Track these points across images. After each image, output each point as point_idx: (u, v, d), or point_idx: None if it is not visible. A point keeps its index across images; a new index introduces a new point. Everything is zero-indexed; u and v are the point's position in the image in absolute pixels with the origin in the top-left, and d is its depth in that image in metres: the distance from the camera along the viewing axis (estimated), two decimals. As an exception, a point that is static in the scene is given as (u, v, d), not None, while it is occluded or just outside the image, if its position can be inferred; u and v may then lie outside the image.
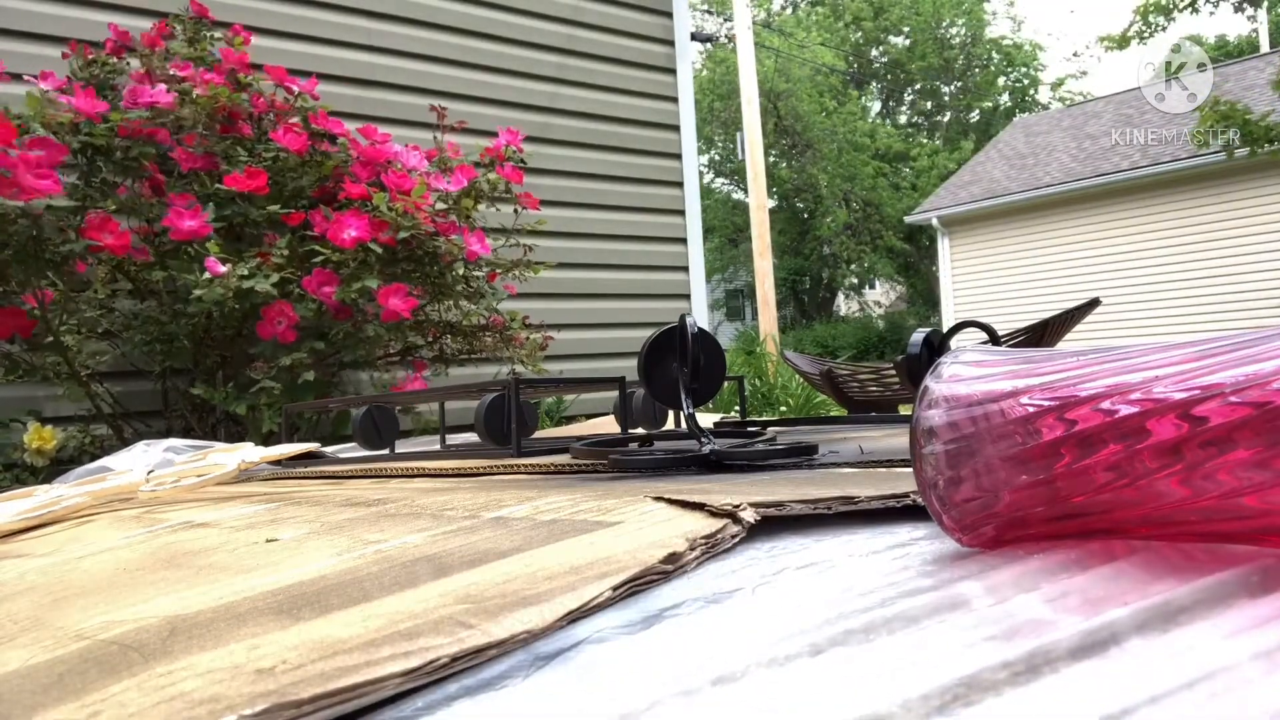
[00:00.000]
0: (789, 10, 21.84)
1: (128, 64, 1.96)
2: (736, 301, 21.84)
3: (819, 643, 0.29)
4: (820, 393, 1.52)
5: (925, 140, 21.06)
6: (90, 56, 1.91)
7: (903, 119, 22.42)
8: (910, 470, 0.51)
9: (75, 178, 1.88)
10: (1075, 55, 32.24)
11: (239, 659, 0.30)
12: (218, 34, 2.09)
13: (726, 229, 19.61)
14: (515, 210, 2.21)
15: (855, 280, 21.01)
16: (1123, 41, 6.17)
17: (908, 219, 12.95)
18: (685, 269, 3.37)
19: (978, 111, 21.57)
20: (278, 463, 1.27)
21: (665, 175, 3.33)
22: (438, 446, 1.37)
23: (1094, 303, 1.45)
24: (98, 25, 2.16)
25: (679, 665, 0.28)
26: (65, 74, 1.89)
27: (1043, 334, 1.38)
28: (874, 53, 21.49)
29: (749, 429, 1.16)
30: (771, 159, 18.53)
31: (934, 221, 11.41)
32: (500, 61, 2.93)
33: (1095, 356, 0.35)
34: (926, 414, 0.37)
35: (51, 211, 1.77)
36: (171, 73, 1.86)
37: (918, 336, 1.14)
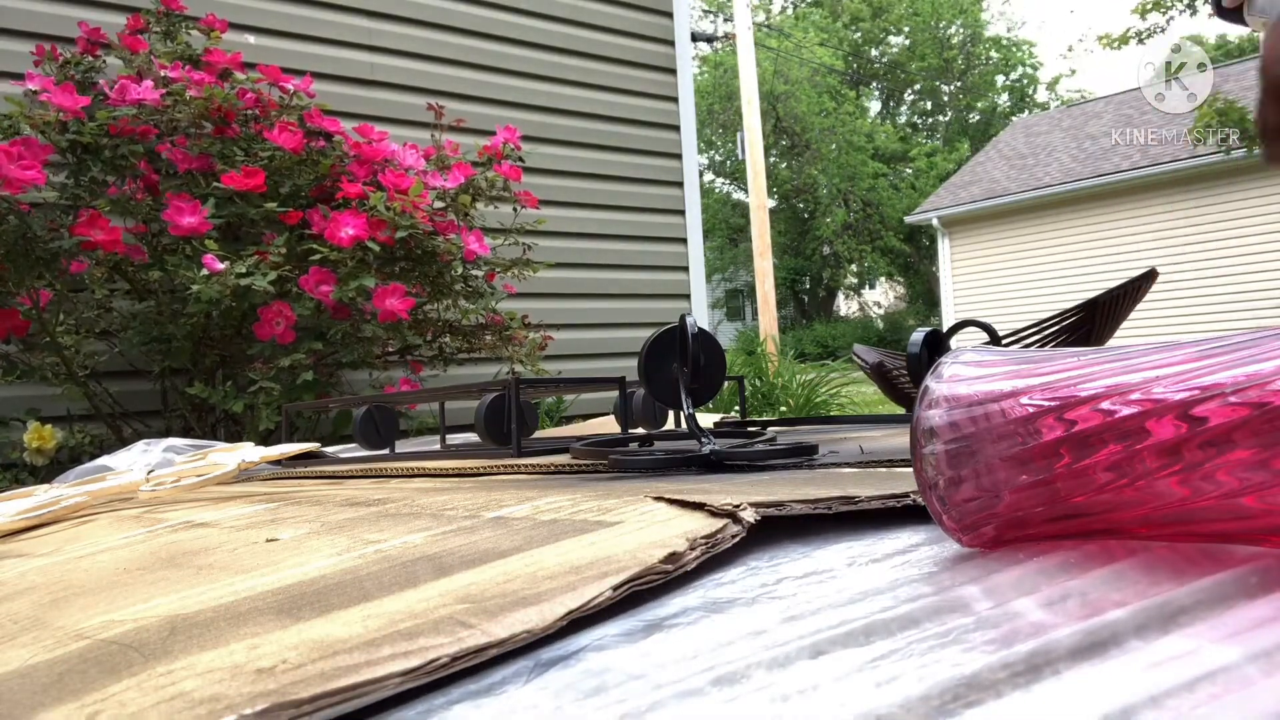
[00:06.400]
0: (788, 10, 21.84)
1: (103, 61, 1.95)
2: (736, 301, 21.85)
3: (820, 644, 0.29)
4: (876, 386, 1.49)
5: (924, 140, 21.07)
6: (63, 58, 1.91)
7: (902, 119, 22.42)
8: (910, 470, 0.51)
9: (65, 176, 1.88)
10: (1070, 51, 32.18)
11: (239, 659, 0.30)
12: (193, 28, 2.08)
13: (726, 229, 19.62)
14: (514, 209, 2.21)
15: (855, 280, 21.02)
16: (1122, 41, 6.17)
17: (908, 219, 12.96)
18: (685, 269, 3.37)
19: (977, 112, 21.58)
20: (278, 462, 1.27)
21: (665, 175, 3.33)
22: (438, 446, 1.37)
23: (1152, 274, 1.39)
24: (65, 21, 2.14)
25: (680, 667, 0.28)
26: (39, 73, 1.88)
27: (1093, 315, 1.32)
28: (873, 53, 21.50)
29: (749, 429, 1.16)
30: (771, 159, 18.55)
31: (934, 221, 11.41)
32: (500, 61, 2.93)
33: (1095, 356, 0.35)
34: (927, 414, 0.37)
35: (40, 209, 1.76)
36: (162, 74, 1.86)
37: (918, 336, 1.14)
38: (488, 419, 1.17)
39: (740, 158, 10.18)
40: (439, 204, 1.99)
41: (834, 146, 18.54)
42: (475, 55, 2.88)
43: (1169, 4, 6.06)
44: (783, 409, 3.62)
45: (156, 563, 0.55)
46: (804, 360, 6.51)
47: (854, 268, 19.71)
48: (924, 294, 19.19)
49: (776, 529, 0.45)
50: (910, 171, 19.62)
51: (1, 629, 0.42)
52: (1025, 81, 22.07)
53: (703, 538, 0.39)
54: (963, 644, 0.27)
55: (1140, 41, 6.13)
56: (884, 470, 0.65)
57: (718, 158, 19.74)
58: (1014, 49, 21.48)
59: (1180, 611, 0.29)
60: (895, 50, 21.33)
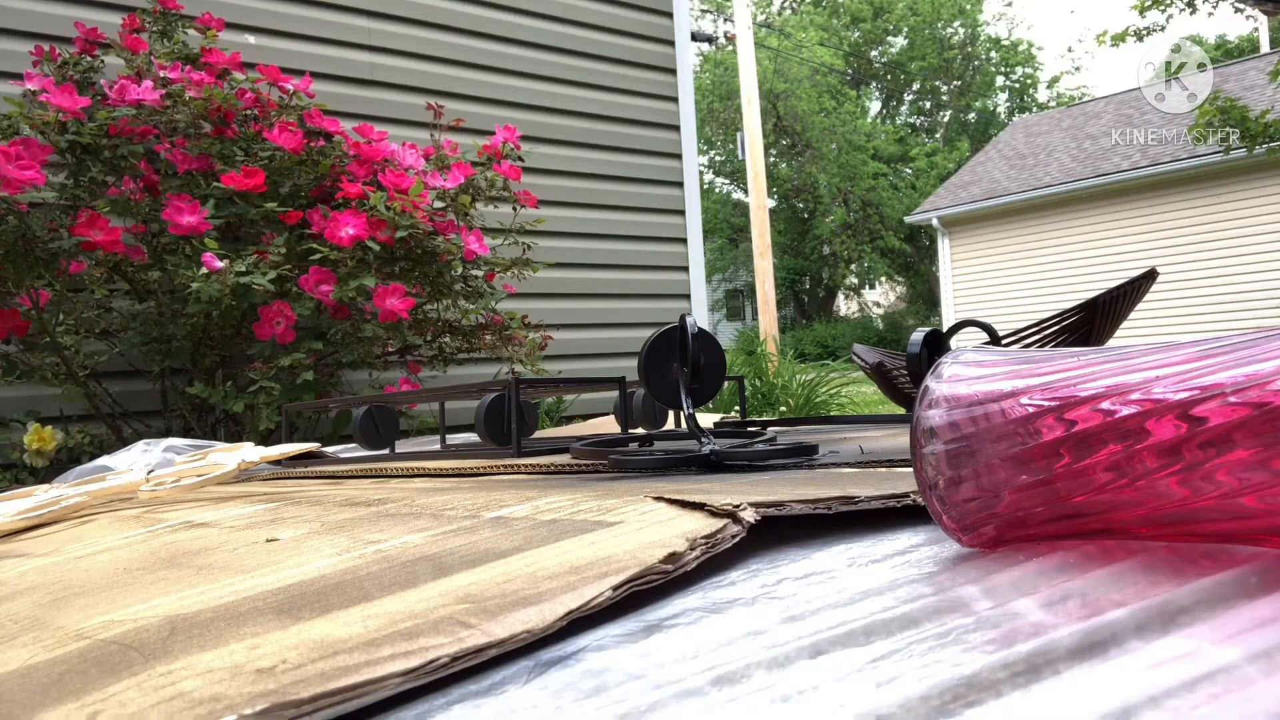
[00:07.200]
0: (788, 10, 21.85)
1: (101, 61, 1.95)
2: (736, 301, 21.86)
3: (820, 645, 0.29)
4: (876, 386, 1.48)
5: (924, 140, 21.08)
6: (61, 58, 1.90)
7: (902, 119, 22.43)
8: (910, 470, 0.51)
9: (64, 177, 1.88)
10: (1070, 50, 32.33)
11: (239, 659, 0.30)
12: (190, 27, 2.08)
13: (726, 229, 19.62)
14: (514, 209, 2.21)
15: (855, 280, 21.02)
16: (1120, 39, 6.16)
17: (908, 219, 12.95)
18: (685, 269, 3.37)
19: (977, 112, 21.58)
20: (278, 462, 1.27)
21: (665, 175, 3.33)
22: (438, 446, 1.37)
23: (1152, 274, 1.39)
24: (63, 20, 2.14)
25: (680, 667, 0.28)
26: (38, 73, 1.88)
27: (1093, 315, 1.32)
28: (873, 53, 21.51)
29: (749, 429, 1.16)
30: (771, 159, 18.55)
31: (934, 221, 11.41)
32: (500, 61, 2.93)
33: (1095, 356, 0.35)
34: (927, 414, 0.37)
35: (39, 209, 1.76)
36: (161, 74, 1.85)
37: (918, 336, 1.14)
38: (488, 419, 1.17)
39: (740, 157, 10.18)
40: (439, 204, 1.99)
41: (834, 146, 18.53)
42: (475, 55, 2.88)
43: (1168, 1, 6.05)
44: (783, 409, 3.62)
45: (156, 563, 0.54)
46: (804, 360, 6.51)
47: (854, 268, 19.70)
48: (924, 294, 19.19)
49: (777, 529, 0.45)
50: (910, 171, 19.61)
51: (1, 629, 0.42)
52: (1025, 81, 22.09)
53: (703, 538, 0.39)
54: (963, 644, 0.27)
55: (1139, 39, 6.13)
56: (884, 470, 0.65)
57: (718, 158, 19.73)
58: (1014, 49, 21.49)
59: (1180, 611, 0.28)
60: (895, 50, 21.33)
